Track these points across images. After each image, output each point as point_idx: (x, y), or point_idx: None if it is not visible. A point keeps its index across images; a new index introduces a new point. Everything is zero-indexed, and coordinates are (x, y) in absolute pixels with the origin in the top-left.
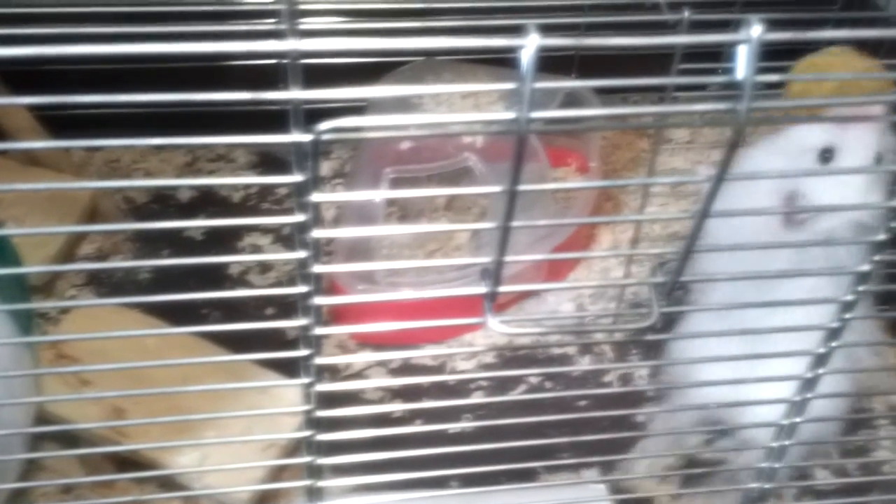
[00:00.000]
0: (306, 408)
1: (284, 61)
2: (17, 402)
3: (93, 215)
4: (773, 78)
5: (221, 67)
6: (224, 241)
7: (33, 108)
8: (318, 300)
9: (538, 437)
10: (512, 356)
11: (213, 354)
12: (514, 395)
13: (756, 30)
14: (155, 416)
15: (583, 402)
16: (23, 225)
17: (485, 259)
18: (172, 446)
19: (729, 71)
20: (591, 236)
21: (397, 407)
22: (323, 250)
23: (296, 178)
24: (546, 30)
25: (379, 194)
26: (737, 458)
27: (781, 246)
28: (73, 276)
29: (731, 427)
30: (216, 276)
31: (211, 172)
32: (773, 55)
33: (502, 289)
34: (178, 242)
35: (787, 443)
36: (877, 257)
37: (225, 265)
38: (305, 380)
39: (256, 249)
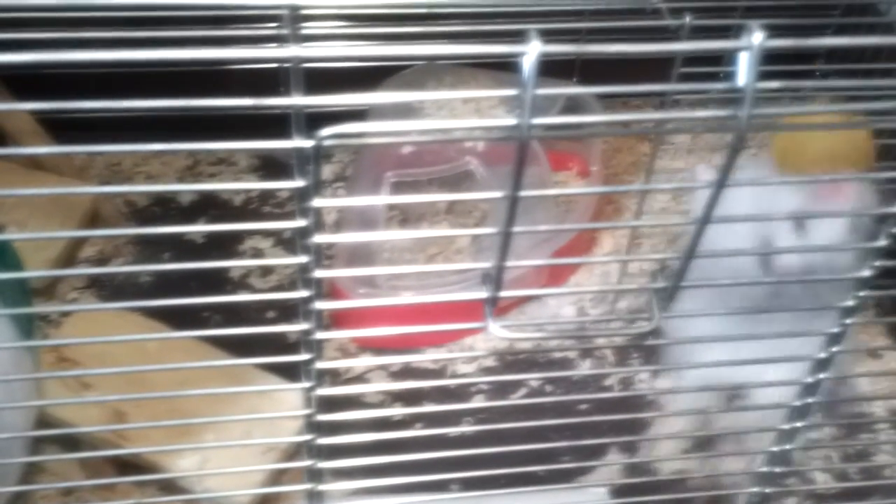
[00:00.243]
0: (307, 411)
1: (286, 65)
2: (18, 405)
3: (94, 218)
4: (774, 85)
5: (224, 71)
6: (225, 244)
7: (35, 112)
8: (319, 304)
9: (539, 441)
10: (513, 360)
11: (214, 358)
12: (515, 399)
13: (757, 37)
14: (156, 420)
15: (583, 406)
16: (24, 228)
17: (486, 264)
18: (173, 450)
19: (730, 77)
20: (593, 240)
21: (398, 411)
22: (324, 254)
23: (297, 183)
24: (548, 35)
25: (380, 199)
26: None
27: (783, 251)
28: (75, 280)
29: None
30: (217, 280)
31: (212, 176)
32: (775, 59)
33: (503, 293)
34: (179, 245)
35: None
36: (877, 262)
37: (226, 268)
38: (306, 384)
39: (258, 253)
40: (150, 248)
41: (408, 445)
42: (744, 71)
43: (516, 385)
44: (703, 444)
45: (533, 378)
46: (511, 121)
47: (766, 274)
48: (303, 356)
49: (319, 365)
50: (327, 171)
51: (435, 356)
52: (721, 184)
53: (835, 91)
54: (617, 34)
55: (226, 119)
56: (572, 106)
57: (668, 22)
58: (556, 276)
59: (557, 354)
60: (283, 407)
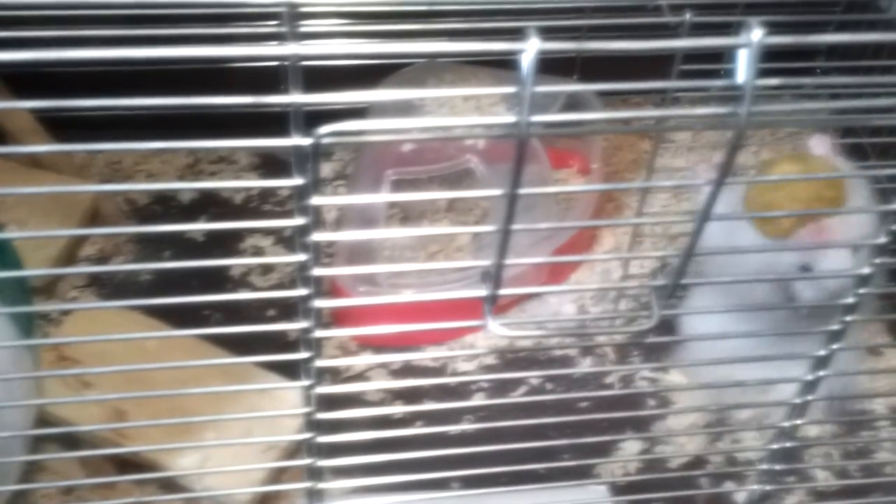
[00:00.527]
0: (307, 410)
1: (286, 63)
2: (18, 403)
3: (94, 217)
4: (773, 81)
5: (223, 69)
6: (225, 242)
7: (35, 110)
8: (319, 303)
9: (539, 439)
10: (513, 358)
11: (214, 356)
12: (515, 397)
13: (756, 33)
14: (156, 418)
15: (584, 404)
16: (24, 227)
17: (485, 262)
18: (173, 448)
19: (730, 73)
20: (593, 237)
21: (398, 409)
22: (324, 252)
23: (296, 181)
24: (548, 32)
25: (380, 198)
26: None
27: (782, 249)
28: (75, 278)
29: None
30: (218, 278)
31: (213, 174)
32: (776, 57)
33: (503, 291)
34: (179, 244)
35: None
36: (878, 260)
37: (226, 266)
38: (306, 382)
39: (258, 251)
40: (151, 247)
41: (408, 443)
42: (743, 68)
43: (517, 383)
44: (706, 440)
45: (533, 376)
46: (510, 118)
47: (786, 299)
48: (302, 354)
49: (319, 363)
50: (328, 169)
51: (435, 354)
52: (721, 182)
53: (835, 88)
54: (617, 31)
55: (226, 117)
56: (573, 103)
57: (669, 19)
58: (556, 274)
59: (558, 352)
60: (283, 405)
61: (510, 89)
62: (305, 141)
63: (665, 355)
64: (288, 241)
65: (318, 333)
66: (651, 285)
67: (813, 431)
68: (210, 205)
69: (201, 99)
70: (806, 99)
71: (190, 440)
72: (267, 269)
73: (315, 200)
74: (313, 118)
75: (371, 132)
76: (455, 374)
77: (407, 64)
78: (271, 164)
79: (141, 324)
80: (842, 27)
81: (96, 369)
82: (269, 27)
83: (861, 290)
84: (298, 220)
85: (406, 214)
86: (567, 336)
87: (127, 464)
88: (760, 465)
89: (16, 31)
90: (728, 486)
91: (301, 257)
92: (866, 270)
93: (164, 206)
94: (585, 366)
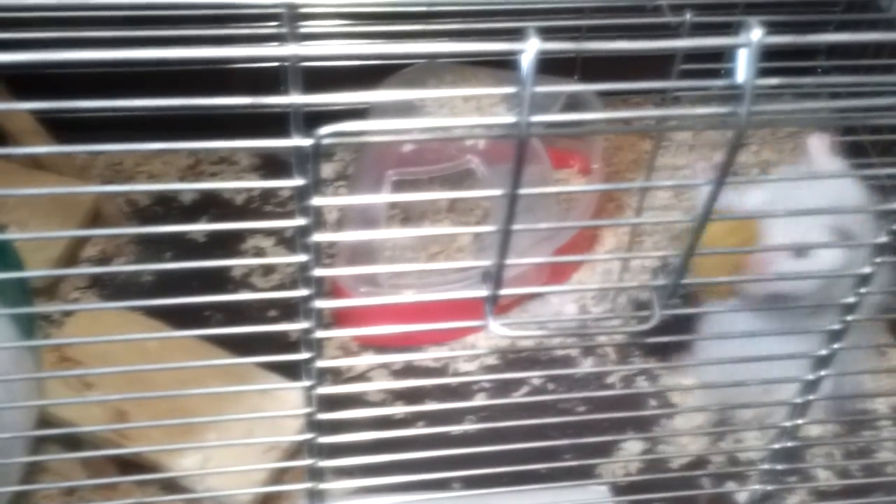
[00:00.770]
0: (308, 410)
1: (286, 64)
2: (19, 404)
3: (96, 218)
4: (773, 81)
5: (224, 70)
6: (227, 243)
7: (36, 112)
8: (320, 303)
9: (540, 439)
10: (514, 358)
11: (216, 357)
12: (517, 397)
13: (756, 33)
14: (157, 419)
15: (585, 404)
16: (26, 228)
17: (486, 262)
18: (175, 449)
19: (730, 73)
20: (595, 237)
21: (400, 409)
22: (325, 253)
23: (297, 182)
24: (548, 32)
25: (381, 198)
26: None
27: (783, 249)
28: (76, 279)
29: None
30: (219, 279)
31: (213, 175)
32: (777, 57)
33: (504, 291)
34: (181, 245)
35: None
36: (878, 260)
37: (228, 267)
38: (307, 382)
39: (259, 252)
40: (152, 248)
41: (409, 444)
42: (743, 67)
43: (518, 383)
44: (708, 440)
45: (535, 376)
46: (510, 118)
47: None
48: (303, 355)
49: (320, 363)
50: (329, 169)
51: (436, 354)
52: (721, 181)
53: (835, 87)
54: (617, 31)
55: (227, 118)
56: (574, 104)
57: (669, 19)
58: (558, 274)
59: (559, 352)
60: (284, 406)
61: (510, 89)
62: (306, 141)
63: (675, 356)
64: (289, 241)
65: (320, 334)
66: (652, 285)
67: (814, 431)
68: (211, 206)
69: (202, 100)
70: (806, 98)
71: (191, 441)
72: (268, 270)
73: (316, 201)
74: (314, 119)
75: (371, 133)
76: (456, 374)
77: (407, 64)
78: (272, 164)
79: (142, 325)
80: (842, 27)
81: (98, 370)
82: (269, 28)
83: (862, 290)
84: (299, 221)
85: (407, 215)
86: (568, 336)
87: (128, 464)
88: (762, 464)
89: (16, 33)
90: (729, 486)
91: (302, 258)
92: (867, 270)
93: (166, 207)
94: (587, 366)
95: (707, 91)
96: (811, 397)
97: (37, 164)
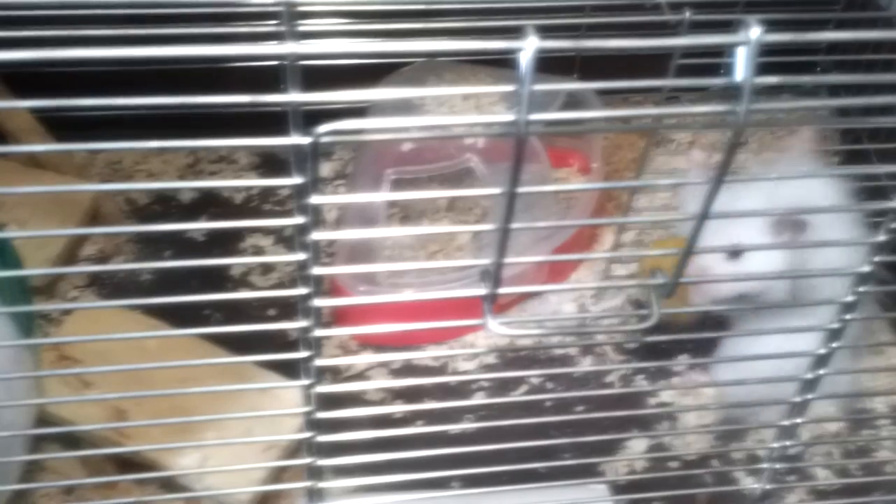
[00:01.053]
0: (307, 409)
1: (284, 63)
2: (18, 403)
3: (95, 217)
4: (772, 80)
5: (223, 69)
6: (226, 242)
7: (35, 110)
8: (318, 302)
9: (539, 438)
10: (513, 357)
11: (215, 356)
12: (516, 396)
13: (755, 31)
14: (156, 418)
15: (584, 403)
16: (25, 227)
17: (485, 260)
18: (174, 447)
19: (729, 71)
20: (594, 237)
21: (398, 408)
22: (324, 252)
23: (295, 180)
24: (547, 31)
25: (380, 197)
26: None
27: (783, 247)
28: (75, 278)
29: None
30: (218, 278)
31: (213, 174)
32: (777, 55)
33: (502, 290)
34: (179, 243)
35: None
36: (877, 258)
37: (227, 266)
38: (306, 381)
39: (258, 251)
40: (151, 247)
41: (408, 443)
42: (742, 66)
43: (517, 382)
44: (708, 439)
45: (533, 375)
46: (509, 117)
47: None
48: (302, 353)
49: (319, 362)
50: (328, 168)
51: (435, 353)
52: (719, 179)
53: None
54: (617, 30)
55: (226, 117)
56: (573, 103)
57: (668, 17)
58: (557, 273)
59: (558, 351)
60: (283, 405)
61: (509, 88)
62: (304, 140)
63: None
64: (288, 240)
65: (318, 332)
66: (651, 284)
67: (814, 430)
68: (210, 204)
69: (201, 98)
70: (805, 96)
71: (190, 439)
72: (267, 269)
73: (315, 199)
74: (313, 118)
75: (370, 131)
76: (455, 373)
77: (406, 63)
78: (271, 163)
79: (141, 323)
80: (841, 25)
81: (97, 369)
82: (268, 26)
83: (861, 288)
84: (298, 220)
85: (406, 214)
86: (567, 335)
87: (127, 463)
88: (762, 463)
89: (15, 31)
90: (729, 484)
91: (301, 256)
92: (866, 268)
93: (165, 206)
94: (585, 365)
95: (706, 91)
96: (810, 396)
97: (36, 163)
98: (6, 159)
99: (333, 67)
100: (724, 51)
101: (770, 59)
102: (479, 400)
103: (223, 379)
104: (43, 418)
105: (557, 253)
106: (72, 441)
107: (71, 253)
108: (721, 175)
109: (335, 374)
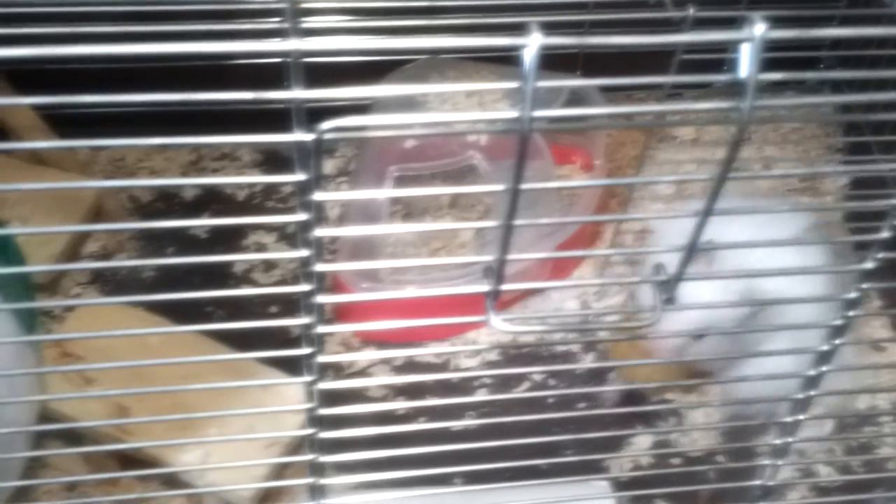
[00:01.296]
0: (309, 406)
1: (288, 60)
2: (20, 400)
3: (97, 214)
4: (776, 76)
5: (226, 66)
6: (228, 239)
7: (38, 107)
8: (321, 299)
9: (542, 435)
10: (516, 354)
11: (217, 352)
12: (518, 393)
13: (759, 28)
14: (158, 415)
15: (586, 400)
16: (27, 223)
17: (488, 257)
18: (176, 444)
19: (733, 68)
20: (597, 233)
21: (401, 405)
22: (327, 248)
23: (298, 177)
24: (550, 27)
25: (383, 193)
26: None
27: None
28: (78, 275)
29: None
30: (220, 275)
31: (215, 171)
32: (781, 51)
33: (505, 287)
34: (182, 241)
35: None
36: (880, 255)
37: (229, 263)
38: (308, 378)
39: (261, 247)
40: (154, 244)
41: (411, 439)
42: (746, 62)
43: (519, 379)
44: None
45: (536, 371)
46: (513, 114)
47: None
48: (305, 350)
49: (321, 359)
50: (330, 165)
51: (438, 350)
52: (723, 178)
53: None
54: (620, 27)
55: (229, 114)
56: (576, 100)
57: (672, 14)
58: (560, 269)
59: (560, 348)
60: (285, 401)
61: (513, 85)
62: (307, 137)
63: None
64: (291, 237)
65: (321, 329)
66: (653, 280)
67: (815, 428)
68: (213, 201)
69: (204, 95)
70: (810, 93)
71: (192, 436)
72: (270, 266)
73: (317, 196)
74: (316, 115)
75: (373, 128)
76: (458, 370)
77: (409, 60)
78: (274, 160)
79: (144, 320)
80: (846, 21)
81: (99, 365)
82: (271, 24)
83: (864, 286)
84: (301, 216)
85: (409, 211)
86: (570, 332)
87: (129, 460)
88: (763, 459)
89: (18, 28)
90: (731, 481)
91: (303, 253)
92: (869, 265)
93: (167, 203)
94: (588, 361)
95: (710, 87)
96: (812, 393)
97: (39, 160)
98: (9, 156)
99: (337, 64)
100: (727, 47)
101: (773, 55)
102: (481, 397)
103: (225, 375)
104: (45, 415)
105: (560, 250)
106: (74, 438)
107: (74, 250)
108: (724, 172)
109: (337, 370)
